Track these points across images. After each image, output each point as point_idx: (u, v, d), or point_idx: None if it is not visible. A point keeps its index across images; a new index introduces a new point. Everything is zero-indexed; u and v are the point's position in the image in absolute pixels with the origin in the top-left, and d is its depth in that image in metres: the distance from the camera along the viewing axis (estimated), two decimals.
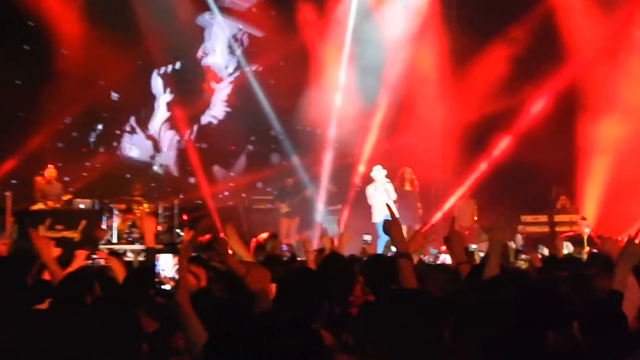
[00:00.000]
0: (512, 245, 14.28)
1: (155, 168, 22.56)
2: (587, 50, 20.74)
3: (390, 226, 5.20)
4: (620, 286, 4.80)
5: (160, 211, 19.57)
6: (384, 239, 13.47)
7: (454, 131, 22.17)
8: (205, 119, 23.26)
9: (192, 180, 22.04)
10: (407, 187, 19.23)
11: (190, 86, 22.72)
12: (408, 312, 3.88)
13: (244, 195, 22.26)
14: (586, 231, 16.82)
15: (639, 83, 20.50)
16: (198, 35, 22.80)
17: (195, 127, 23.08)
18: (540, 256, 9.99)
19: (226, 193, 22.67)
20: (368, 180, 19.28)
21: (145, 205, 19.33)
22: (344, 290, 5.88)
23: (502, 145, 21.50)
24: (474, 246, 14.93)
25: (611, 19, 20.68)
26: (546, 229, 19.46)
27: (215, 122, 23.33)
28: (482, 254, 11.91)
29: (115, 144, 22.29)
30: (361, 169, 21.80)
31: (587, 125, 20.54)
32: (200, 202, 21.43)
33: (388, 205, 5.67)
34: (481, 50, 21.52)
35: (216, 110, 23.26)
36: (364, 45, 22.09)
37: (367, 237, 10.95)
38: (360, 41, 22.22)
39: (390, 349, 3.76)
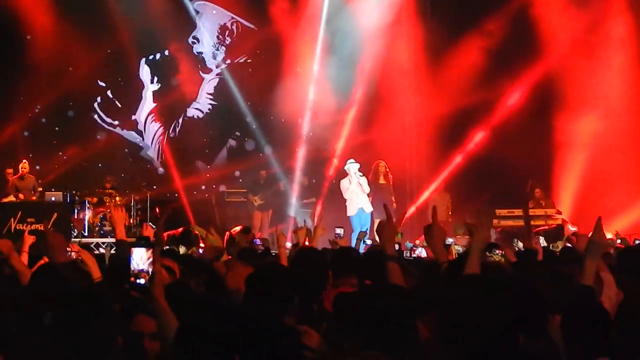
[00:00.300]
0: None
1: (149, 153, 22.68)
2: (563, 43, 20.70)
3: (384, 228, 5.10)
4: (590, 280, 4.81)
5: (133, 204, 19.57)
6: (357, 232, 14.93)
7: (428, 124, 22.10)
8: (190, 112, 23.24)
9: (161, 170, 22.21)
10: (382, 181, 19.02)
11: (173, 76, 22.70)
12: (385, 307, 3.82)
13: (223, 188, 22.13)
14: (571, 229, 17.06)
15: (615, 77, 20.55)
16: (180, 24, 22.69)
17: (180, 120, 23.11)
18: (516, 250, 10.02)
19: (203, 187, 22.53)
20: (342, 173, 19.11)
21: (118, 198, 19.28)
22: (317, 284, 5.85)
23: (477, 138, 21.48)
24: (450, 240, 14.67)
25: (587, 12, 20.61)
26: (521, 222, 19.45)
27: (200, 115, 23.28)
28: (458, 248, 12.17)
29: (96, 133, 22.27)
30: (335, 162, 21.77)
31: (562, 119, 20.49)
32: (175, 195, 21.59)
33: (386, 207, 5.41)
34: (456, 42, 21.43)
35: (202, 103, 23.19)
36: (338, 37, 21.97)
37: (340, 231, 10.59)
38: (335, 32, 22.09)
39: (366, 345, 3.73)
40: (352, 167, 18.17)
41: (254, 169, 21.61)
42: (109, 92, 22.51)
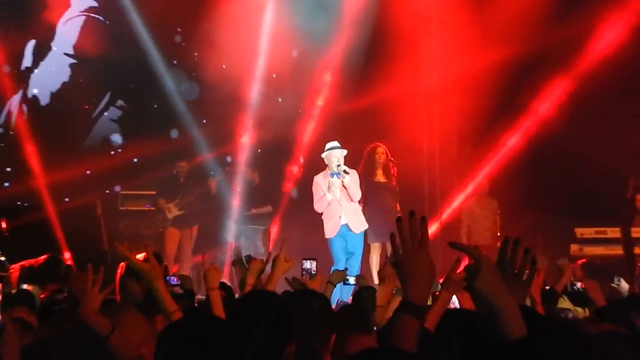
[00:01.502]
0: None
1: None
2: None
3: (407, 263, 3.78)
4: None
5: None
6: (341, 264, 13.42)
7: (459, 87, 18.00)
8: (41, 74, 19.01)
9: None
10: (380, 178, 15.44)
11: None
12: None
13: (118, 189, 18.17)
14: None
15: None
16: None
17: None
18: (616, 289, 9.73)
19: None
20: (316, 167, 15.29)
21: None
22: (273, 350, 4.62)
23: (543, 111, 17.47)
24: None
25: None
26: (619, 249, 16.29)
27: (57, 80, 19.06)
28: None
29: None
30: (302, 149, 18.59)
31: None
32: (34, 199, 17.45)
33: (412, 222, 3.71)
34: None
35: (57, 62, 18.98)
36: None
37: (309, 264, 8.46)
38: None
39: None
40: (335, 154, 14.43)
41: (168, 158, 17.58)
42: None
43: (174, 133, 18.70)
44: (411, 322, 3.71)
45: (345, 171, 13.92)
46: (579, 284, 10.46)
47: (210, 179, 17.61)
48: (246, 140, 18.50)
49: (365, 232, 14.36)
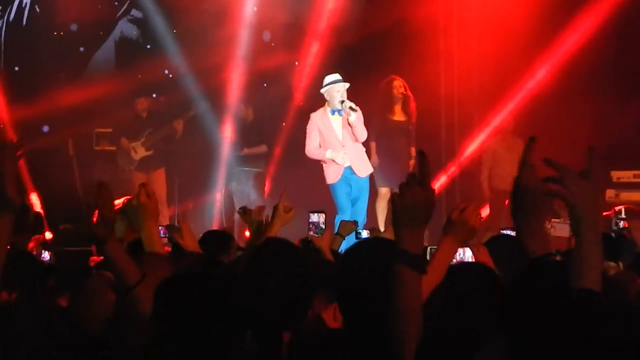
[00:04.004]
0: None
1: None
2: None
3: (407, 205, 3.66)
4: None
5: None
6: (344, 215, 12.75)
7: (481, 10, 16.64)
8: None
9: None
10: (398, 116, 14.80)
11: None
12: None
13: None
14: None
15: None
16: None
17: None
18: None
19: (45, 128, 17.12)
20: (316, 101, 14.42)
21: None
22: (296, 309, 4.42)
23: (578, 35, 16.09)
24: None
25: None
26: None
27: None
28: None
29: None
30: (303, 80, 17.27)
31: None
32: None
33: (422, 157, 3.78)
34: None
35: None
36: None
37: (317, 217, 8.30)
38: None
39: None
40: (337, 89, 13.53)
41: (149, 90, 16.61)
42: None
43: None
44: (411, 276, 3.56)
45: (352, 107, 13.05)
46: (622, 223, 10.69)
47: (176, 120, 16.28)
48: (237, 71, 17.01)
49: (371, 176, 13.71)
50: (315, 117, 13.44)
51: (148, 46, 17.75)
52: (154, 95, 16.54)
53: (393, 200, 3.67)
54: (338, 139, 13.28)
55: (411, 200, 3.56)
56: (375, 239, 5.53)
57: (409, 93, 14.64)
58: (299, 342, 4.30)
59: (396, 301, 3.54)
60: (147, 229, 4.74)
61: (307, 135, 13.49)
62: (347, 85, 13.15)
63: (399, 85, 14.62)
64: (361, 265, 3.74)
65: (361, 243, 4.86)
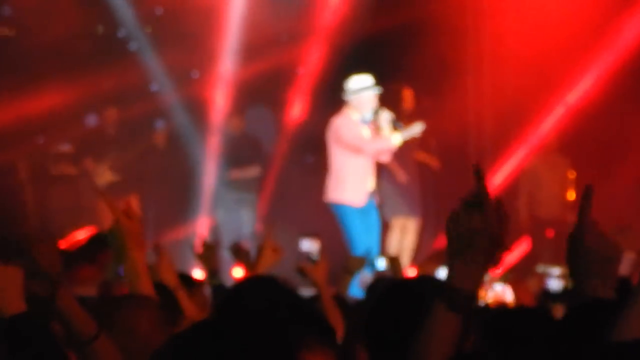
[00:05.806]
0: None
1: None
2: None
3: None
4: None
5: None
6: (361, 247, 12.37)
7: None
8: None
9: None
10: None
11: None
12: None
13: (67, 147, 16.00)
14: None
15: None
16: None
17: None
18: None
19: None
20: (322, 105, 14.63)
21: None
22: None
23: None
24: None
25: None
26: None
27: None
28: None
29: None
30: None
31: None
32: None
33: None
34: None
35: None
36: None
37: (308, 245, 9.97)
38: None
39: None
40: (369, 97, 12.97)
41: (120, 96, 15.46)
42: None
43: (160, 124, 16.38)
44: (451, 320, 3.39)
45: (397, 127, 12.68)
46: None
47: (158, 130, 15.22)
48: (226, 68, 15.82)
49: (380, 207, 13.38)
50: (345, 119, 12.73)
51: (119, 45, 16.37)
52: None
53: (447, 227, 3.38)
54: (354, 145, 12.86)
55: (467, 226, 3.26)
56: (422, 277, 5.51)
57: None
58: None
59: (426, 342, 3.38)
60: (131, 260, 4.39)
61: (345, 135, 12.62)
62: (380, 91, 12.66)
63: (408, 95, 14.22)
64: (403, 309, 3.45)
65: (401, 283, 4.74)
